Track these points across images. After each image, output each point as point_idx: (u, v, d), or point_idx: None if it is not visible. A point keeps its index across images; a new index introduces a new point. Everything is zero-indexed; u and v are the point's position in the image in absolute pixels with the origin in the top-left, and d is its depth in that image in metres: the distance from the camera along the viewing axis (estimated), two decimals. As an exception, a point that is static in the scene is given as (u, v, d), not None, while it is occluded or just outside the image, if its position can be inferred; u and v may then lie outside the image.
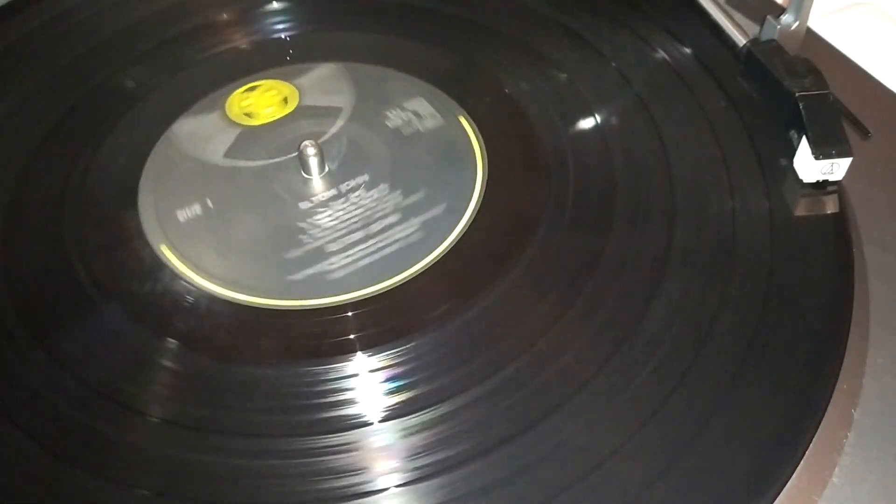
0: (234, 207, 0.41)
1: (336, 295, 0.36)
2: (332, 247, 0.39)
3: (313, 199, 0.41)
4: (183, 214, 0.40)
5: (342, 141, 0.44)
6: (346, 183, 0.41)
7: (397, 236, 0.39)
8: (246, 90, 0.45)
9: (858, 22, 0.52)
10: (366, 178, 0.42)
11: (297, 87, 0.46)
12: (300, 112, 0.45)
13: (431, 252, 0.38)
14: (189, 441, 0.32)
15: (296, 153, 0.42)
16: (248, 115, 0.43)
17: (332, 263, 0.38)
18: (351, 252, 0.38)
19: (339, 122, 0.45)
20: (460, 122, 0.44)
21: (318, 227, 0.40)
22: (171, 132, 0.44)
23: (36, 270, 0.38)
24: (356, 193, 0.41)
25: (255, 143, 0.44)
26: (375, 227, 0.39)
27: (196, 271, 0.38)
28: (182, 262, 0.38)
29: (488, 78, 0.46)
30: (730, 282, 0.35)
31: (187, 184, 0.42)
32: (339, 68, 0.47)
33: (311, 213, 0.40)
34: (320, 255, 0.38)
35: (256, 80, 0.46)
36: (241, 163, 0.42)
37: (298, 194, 0.41)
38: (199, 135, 0.44)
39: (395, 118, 0.44)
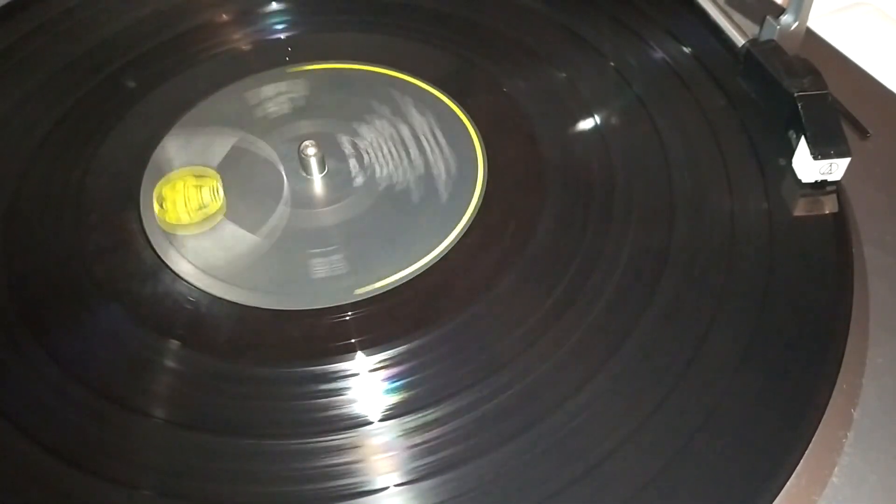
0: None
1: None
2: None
3: (300, 198, 0.41)
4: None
5: (319, 137, 0.43)
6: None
7: (433, 192, 0.40)
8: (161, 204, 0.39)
9: (858, 22, 0.52)
10: (369, 159, 0.42)
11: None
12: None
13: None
14: (189, 441, 0.32)
15: (289, 160, 0.42)
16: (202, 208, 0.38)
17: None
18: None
19: (301, 123, 0.45)
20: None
21: (360, 213, 0.40)
22: (144, 189, 0.41)
23: (36, 271, 0.38)
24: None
25: (242, 169, 0.43)
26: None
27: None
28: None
29: (488, 78, 0.46)
30: (729, 281, 0.35)
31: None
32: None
33: (292, 211, 0.40)
34: (380, 235, 0.39)
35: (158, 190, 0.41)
36: (240, 191, 0.42)
37: (289, 191, 0.41)
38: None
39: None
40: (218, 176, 0.38)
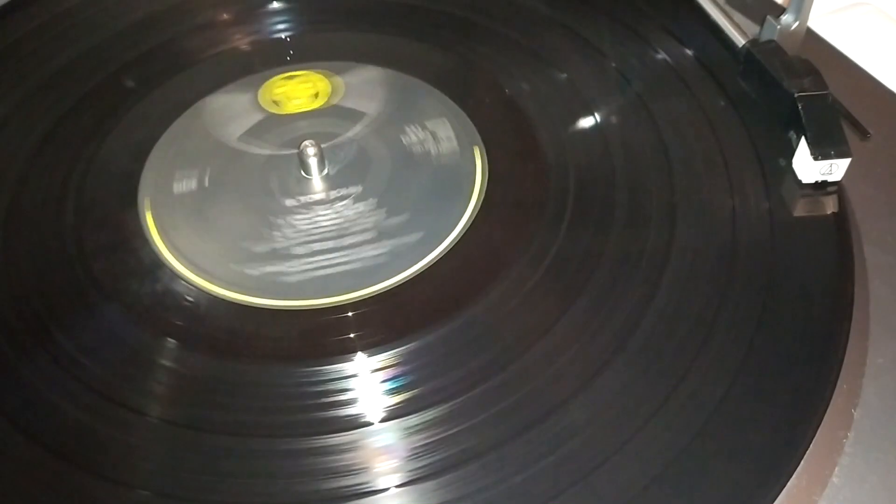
0: (225, 194, 0.42)
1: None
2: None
3: (300, 199, 0.41)
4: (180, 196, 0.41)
5: (351, 147, 0.43)
6: (338, 190, 0.41)
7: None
8: (285, 78, 0.45)
9: (858, 22, 0.52)
10: (359, 189, 0.41)
11: (332, 84, 0.46)
12: (325, 111, 0.45)
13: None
14: (188, 441, 0.32)
15: (289, 158, 0.42)
16: (275, 102, 0.43)
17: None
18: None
19: (357, 128, 0.44)
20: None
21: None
22: (201, 105, 0.45)
23: (36, 270, 0.38)
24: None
25: (269, 132, 0.44)
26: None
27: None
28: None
29: (488, 78, 0.46)
30: (729, 282, 0.35)
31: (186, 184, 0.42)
32: (387, 74, 0.47)
33: (291, 212, 0.40)
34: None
35: (299, 70, 0.46)
36: (251, 148, 0.43)
37: (288, 191, 0.41)
38: (224, 113, 0.45)
39: (412, 135, 0.44)
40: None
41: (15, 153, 0.43)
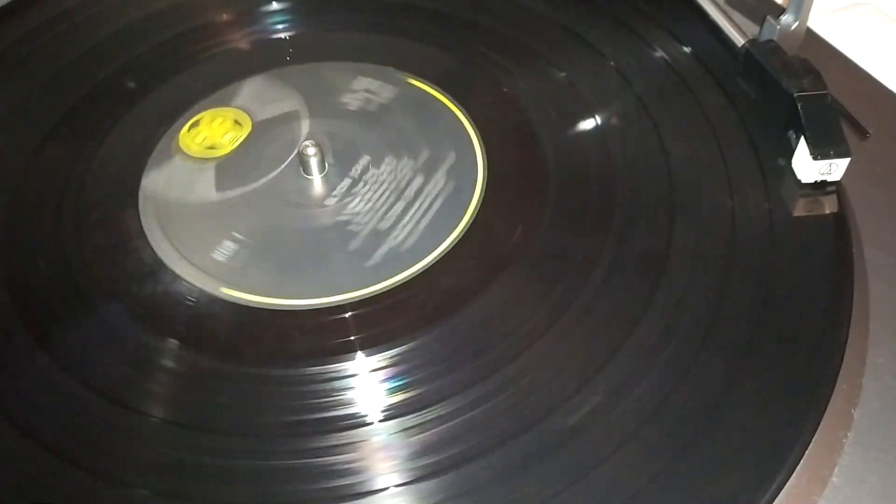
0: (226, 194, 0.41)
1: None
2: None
3: (299, 199, 0.41)
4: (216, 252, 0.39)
5: (322, 137, 0.44)
6: (338, 190, 0.41)
7: (433, 192, 0.40)
8: (190, 126, 0.43)
9: (858, 22, 0.52)
10: (368, 158, 0.42)
11: (239, 108, 0.45)
12: (260, 127, 0.45)
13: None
14: (189, 441, 0.32)
15: (289, 159, 0.43)
16: (210, 147, 0.41)
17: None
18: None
19: (357, 129, 0.44)
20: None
21: (359, 213, 0.40)
22: (143, 189, 0.42)
23: (36, 271, 0.38)
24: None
25: (239, 169, 0.43)
26: (409, 193, 0.40)
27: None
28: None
29: (488, 78, 0.46)
30: (729, 282, 0.35)
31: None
32: (269, 76, 0.47)
33: (291, 212, 0.40)
34: (379, 235, 0.39)
35: (195, 116, 0.45)
36: (238, 191, 0.42)
37: (288, 192, 0.41)
38: (175, 182, 0.42)
39: (352, 101, 0.44)
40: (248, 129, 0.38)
41: (15, 153, 0.43)
